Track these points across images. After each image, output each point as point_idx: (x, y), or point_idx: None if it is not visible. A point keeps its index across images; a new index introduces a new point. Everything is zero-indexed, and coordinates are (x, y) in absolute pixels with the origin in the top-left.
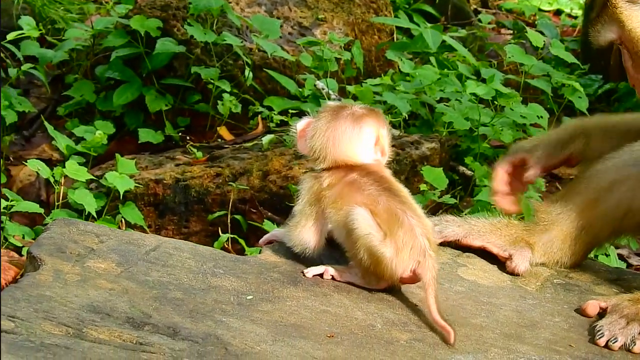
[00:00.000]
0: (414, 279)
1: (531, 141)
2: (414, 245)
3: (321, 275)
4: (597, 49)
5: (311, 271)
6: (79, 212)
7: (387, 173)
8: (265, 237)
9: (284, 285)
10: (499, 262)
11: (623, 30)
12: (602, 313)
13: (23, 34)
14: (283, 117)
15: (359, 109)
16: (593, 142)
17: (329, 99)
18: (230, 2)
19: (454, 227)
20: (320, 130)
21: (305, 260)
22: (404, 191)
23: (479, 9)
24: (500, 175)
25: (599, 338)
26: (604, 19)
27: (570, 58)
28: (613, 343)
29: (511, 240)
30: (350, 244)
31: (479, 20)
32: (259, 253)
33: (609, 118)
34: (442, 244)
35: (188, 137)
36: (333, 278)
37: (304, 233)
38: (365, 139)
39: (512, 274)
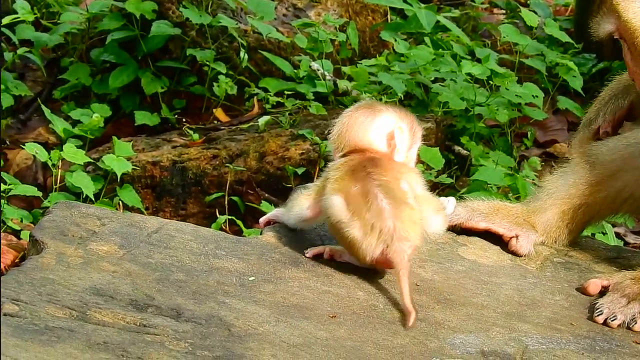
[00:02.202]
0: (388, 262)
1: (590, 111)
2: (382, 228)
3: (321, 255)
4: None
5: (311, 251)
6: (77, 195)
7: (393, 160)
8: (266, 216)
9: (286, 266)
10: (499, 242)
11: (620, 22)
12: (604, 291)
13: (18, 17)
14: (279, 99)
15: (389, 106)
16: None
17: (324, 80)
18: None
19: (456, 209)
20: (341, 119)
21: (306, 241)
22: (398, 179)
23: None
24: None
25: (598, 315)
26: (603, 10)
27: (564, 37)
28: (612, 321)
29: (516, 221)
30: (329, 230)
31: (472, 0)
32: (260, 234)
33: None
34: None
35: (184, 119)
36: (332, 258)
37: (303, 201)
38: (377, 126)
39: (514, 253)
